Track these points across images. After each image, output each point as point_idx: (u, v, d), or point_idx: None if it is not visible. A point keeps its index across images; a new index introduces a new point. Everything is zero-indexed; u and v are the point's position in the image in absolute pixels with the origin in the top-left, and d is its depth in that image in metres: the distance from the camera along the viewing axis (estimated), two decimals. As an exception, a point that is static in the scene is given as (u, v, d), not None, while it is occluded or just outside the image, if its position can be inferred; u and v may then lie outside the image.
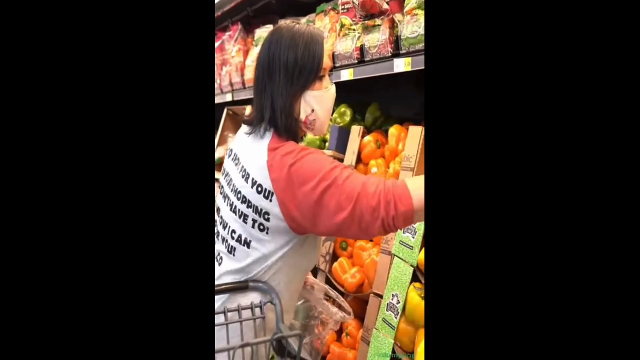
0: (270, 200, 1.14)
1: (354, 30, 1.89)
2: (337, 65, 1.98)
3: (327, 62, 1.22)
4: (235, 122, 3.34)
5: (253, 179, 1.17)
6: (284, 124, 1.18)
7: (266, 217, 1.16)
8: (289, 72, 1.17)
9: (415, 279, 1.52)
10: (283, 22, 1.26)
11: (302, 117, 1.21)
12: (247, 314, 1.18)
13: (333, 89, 1.25)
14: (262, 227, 1.17)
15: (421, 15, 1.56)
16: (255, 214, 1.17)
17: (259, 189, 1.15)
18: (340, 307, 1.39)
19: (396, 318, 1.54)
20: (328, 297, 1.43)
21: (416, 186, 1.05)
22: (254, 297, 1.19)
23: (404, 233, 1.59)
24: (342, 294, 1.89)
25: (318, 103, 1.21)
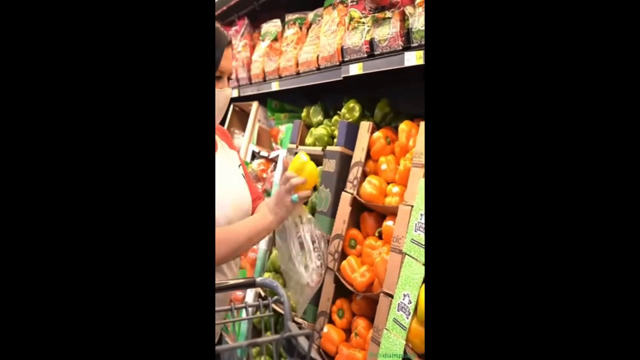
0: None
1: (363, 23, 1.85)
2: (346, 59, 1.94)
3: (225, 66, 1.33)
4: (241, 118, 3.31)
5: None
6: None
7: None
8: None
9: (427, 277, 1.48)
10: None
11: None
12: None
13: (228, 91, 1.41)
14: None
15: (433, 6, 1.52)
16: None
17: None
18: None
19: (407, 318, 1.49)
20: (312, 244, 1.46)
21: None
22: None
23: (415, 231, 1.55)
24: (351, 293, 1.85)
25: None
